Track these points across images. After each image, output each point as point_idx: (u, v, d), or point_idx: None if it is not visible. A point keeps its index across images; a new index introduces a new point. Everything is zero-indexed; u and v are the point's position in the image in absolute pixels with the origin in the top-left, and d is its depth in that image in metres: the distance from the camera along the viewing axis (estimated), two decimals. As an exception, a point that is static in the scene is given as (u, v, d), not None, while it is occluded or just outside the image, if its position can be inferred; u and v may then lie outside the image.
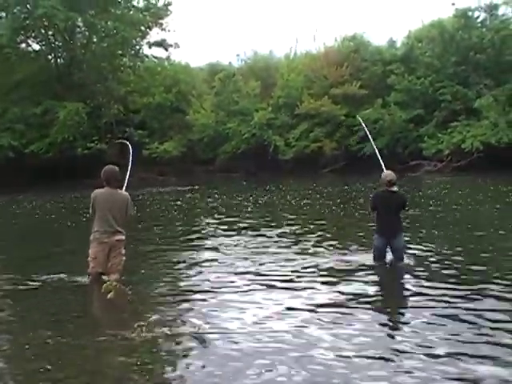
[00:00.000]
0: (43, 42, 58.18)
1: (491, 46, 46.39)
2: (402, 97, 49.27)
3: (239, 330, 7.61)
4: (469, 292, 9.09)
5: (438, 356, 6.44)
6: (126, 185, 11.79)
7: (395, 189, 11.32)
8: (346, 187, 33.38)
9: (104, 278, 9.78)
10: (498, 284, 9.50)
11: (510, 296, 8.77)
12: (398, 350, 6.64)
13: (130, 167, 13.07)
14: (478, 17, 50.00)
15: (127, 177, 12.33)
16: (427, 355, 6.46)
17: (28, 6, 52.54)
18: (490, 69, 47.03)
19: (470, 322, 7.65)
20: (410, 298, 9.10)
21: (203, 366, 6.32)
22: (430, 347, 6.72)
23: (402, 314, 8.33)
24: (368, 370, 6.10)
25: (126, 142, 16.53)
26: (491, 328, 7.40)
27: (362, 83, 52.14)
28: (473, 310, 8.13)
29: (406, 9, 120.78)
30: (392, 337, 7.27)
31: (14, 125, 51.90)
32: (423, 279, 10.01)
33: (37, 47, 59.04)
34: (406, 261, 11.26)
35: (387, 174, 11.43)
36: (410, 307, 8.61)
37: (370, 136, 16.16)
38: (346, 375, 5.97)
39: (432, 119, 47.27)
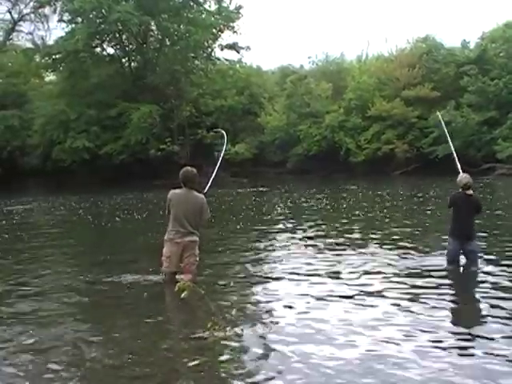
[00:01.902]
0: (117, 46, 59.51)
1: None
2: (475, 98, 48.51)
3: (314, 335, 7.65)
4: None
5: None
6: (212, 179, 11.88)
7: (471, 192, 11.26)
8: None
9: (178, 277, 10.02)
10: None
11: None
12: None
13: (220, 161, 13.10)
14: (554, 16, 49.16)
15: (215, 171, 12.32)
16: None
17: (103, 11, 53.65)
18: None
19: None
20: (482, 302, 9.03)
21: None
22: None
23: (474, 320, 8.22)
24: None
25: (222, 131, 16.49)
26: None
27: (435, 85, 51.54)
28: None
29: (479, 9, 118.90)
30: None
31: (89, 127, 53.19)
32: (496, 284, 9.92)
33: (111, 51, 60.48)
34: (479, 265, 11.19)
35: (464, 176, 11.31)
36: (482, 311, 8.59)
37: (447, 133, 15.76)
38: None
39: (506, 121, 46.37)
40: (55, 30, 66.67)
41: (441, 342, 7.10)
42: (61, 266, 13.46)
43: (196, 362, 6.62)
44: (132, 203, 31.59)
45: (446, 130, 16.15)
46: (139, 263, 12.91)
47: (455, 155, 12.99)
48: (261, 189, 38.93)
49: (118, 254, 14.94)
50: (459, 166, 12.24)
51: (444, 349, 6.87)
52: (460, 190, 11.23)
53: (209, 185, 11.58)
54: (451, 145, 14.40)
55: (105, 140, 53.54)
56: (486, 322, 8.00)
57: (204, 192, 11.03)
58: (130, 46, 60.09)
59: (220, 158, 13.17)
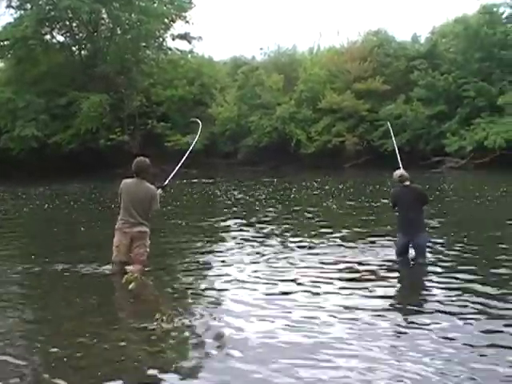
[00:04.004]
0: (68, 34, 58.80)
1: (516, 42, 46.01)
2: (425, 93, 48.92)
3: (258, 322, 7.73)
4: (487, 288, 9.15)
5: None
6: (175, 172, 11.77)
7: (408, 183, 11.39)
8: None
9: (127, 268, 9.95)
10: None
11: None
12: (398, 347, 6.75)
13: (190, 149, 13.05)
14: (503, 13, 49.53)
15: (180, 163, 12.22)
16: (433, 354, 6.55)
17: (53, -3, 53.03)
18: (515, 66, 46.63)
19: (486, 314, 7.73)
20: (427, 295, 9.17)
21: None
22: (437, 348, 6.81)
23: (417, 312, 8.30)
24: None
25: (198, 120, 16.53)
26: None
27: (385, 78, 51.97)
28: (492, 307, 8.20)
29: (430, 4, 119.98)
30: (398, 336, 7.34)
31: (38, 115, 52.38)
32: (442, 275, 10.06)
33: (61, 39, 59.66)
34: (427, 256, 11.32)
35: (397, 172, 11.54)
36: (425, 304, 8.70)
37: (394, 142, 15.80)
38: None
39: (455, 115, 46.84)
40: (3, 16, 65.55)
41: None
42: None
43: (143, 353, 6.66)
44: (47, 194, 31.64)
45: (394, 140, 16.22)
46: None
47: (398, 156, 13.11)
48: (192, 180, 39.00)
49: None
50: (401, 164, 12.41)
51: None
52: (398, 184, 11.42)
53: (170, 177, 11.48)
54: (396, 148, 14.42)
55: (54, 129, 52.82)
56: (425, 313, 8.16)
57: (164, 185, 10.99)
58: (81, 34, 59.37)
59: (189, 150, 13.06)
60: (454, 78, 47.33)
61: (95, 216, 21.25)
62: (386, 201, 19.53)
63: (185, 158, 12.46)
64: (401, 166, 12.24)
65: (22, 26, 51.78)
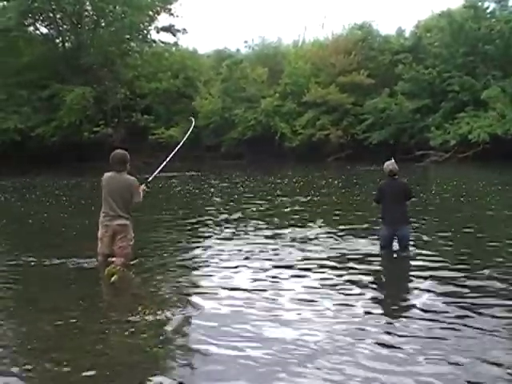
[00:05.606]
0: (51, 26, 58.44)
1: (500, 37, 46.11)
2: (409, 87, 49.09)
3: (245, 315, 7.65)
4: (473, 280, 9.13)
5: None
6: (161, 167, 11.64)
7: (397, 177, 11.38)
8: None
9: (110, 260, 9.87)
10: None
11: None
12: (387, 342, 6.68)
13: (180, 145, 13.08)
14: (487, 7, 49.73)
15: (167, 159, 12.10)
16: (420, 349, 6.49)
17: (36, -12, 52.63)
18: (498, 60, 46.73)
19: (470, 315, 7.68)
20: (413, 288, 9.11)
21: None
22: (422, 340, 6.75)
23: (402, 304, 8.27)
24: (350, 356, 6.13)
25: (192, 118, 16.54)
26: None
27: (370, 72, 52.11)
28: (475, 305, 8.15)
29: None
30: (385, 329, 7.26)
31: (20, 108, 51.96)
32: (428, 268, 10.01)
33: (44, 31, 59.28)
34: (411, 250, 11.32)
35: (388, 163, 11.46)
36: (411, 297, 8.65)
37: None
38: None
39: (439, 110, 47.00)
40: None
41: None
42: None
43: (126, 346, 6.61)
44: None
45: None
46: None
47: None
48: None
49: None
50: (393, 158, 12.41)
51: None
52: (387, 177, 11.39)
53: (155, 173, 11.32)
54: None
55: (37, 122, 52.39)
56: (408, 306, 8.06)
57: (148, 180, 10.85)
58: (64, 26, 59.06)
59: (178, 147, 12.97)
60: (439, 73, 47.52)
61: (45, 208, 21.10)
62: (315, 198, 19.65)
63: (173, 154, 12.35)
64: (393, 157, 12.21)
65: (5, 17, 51.45)
